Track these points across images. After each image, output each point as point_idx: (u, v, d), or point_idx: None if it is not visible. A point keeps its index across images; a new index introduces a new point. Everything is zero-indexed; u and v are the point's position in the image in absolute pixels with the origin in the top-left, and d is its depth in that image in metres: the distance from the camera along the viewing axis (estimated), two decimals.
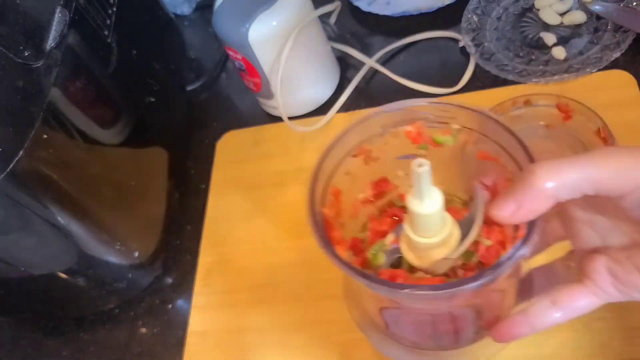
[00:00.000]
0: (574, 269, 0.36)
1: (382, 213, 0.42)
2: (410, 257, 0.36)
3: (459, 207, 0.40)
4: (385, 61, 0.70)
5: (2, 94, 0.41)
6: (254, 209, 0.63)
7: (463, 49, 0.67)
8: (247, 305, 0.57)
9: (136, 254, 0.56)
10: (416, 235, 0.34)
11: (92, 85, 0.52)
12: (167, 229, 0.62)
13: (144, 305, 0.61)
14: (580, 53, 0.62)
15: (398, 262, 0.38)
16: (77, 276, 0.54)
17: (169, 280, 0.62)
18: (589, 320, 0.47)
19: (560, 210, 0.35)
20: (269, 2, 0.60)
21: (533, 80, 0.60)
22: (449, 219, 0.34)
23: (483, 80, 0.64)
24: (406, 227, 0.34)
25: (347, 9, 0.76)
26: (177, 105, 0.71)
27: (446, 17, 0.69)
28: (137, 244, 0.57)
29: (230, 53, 0.63)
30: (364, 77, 0.69)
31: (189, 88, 0.76)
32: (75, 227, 0.49)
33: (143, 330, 0.60)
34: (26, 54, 0.43)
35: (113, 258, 0.55)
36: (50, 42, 0.45)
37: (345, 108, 0.68)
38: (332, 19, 0.75)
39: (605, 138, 0.52)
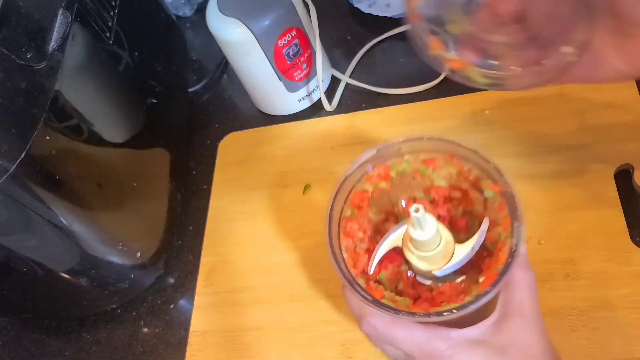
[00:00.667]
0: None
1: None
2: (411, 257, 0.41)
3: None
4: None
5: (4, 95, 0.41)
6: (255, 210, 0.63)
7: None
8: (249, 305, 0.57)
9: (138, 255, 0.57)
10: (418, 251, 0.40)
11: (94, 87, 0.53)
12: (169, 230, 0.62)
13: (146, 305, 0.61)
14: None
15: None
16: (80, 276, 0.54)
17: (171, 281, 0.62)
18: (589, 320, 0.47)
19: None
20: None
21: None
22: (445, 233, 0.40)
23: None
24: (409, 245, 0.40)
25: (347, 10, 0.77)
26: (179, 107, 0.71)
27: None
28: (139, 245, 0.57)
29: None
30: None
31: (191, 89, 0.77)
32: (78, 228, 0.49)
33: (145, 330, 0.60)
34: (28, 56, 0.43)
35: (115, 258, 0.55)
36: (52, 44, 0.45)
37: (345, 109, 0.68)
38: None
39: None
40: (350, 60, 0.72)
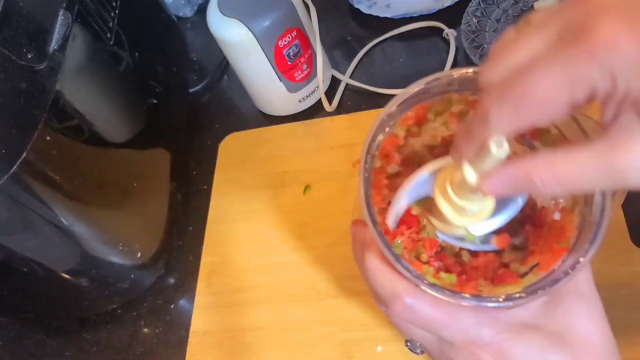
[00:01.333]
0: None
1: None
2: (441, 205, 0.34)
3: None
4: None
5: (5, 96, 0.41)
6: (255, 210, 0.63)
7: (460, 50, 0.67)
8: (249, 305, 0.58)
9: (139, 255, 0.57)
10: (462, 199, 0.32)
11: (95, 88, 0.53)
12: (169, 230, 0.62)
13: (146, 306, 0.61)
14: None
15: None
16: (80, 277, 0.54)
17: (171, 281, 0.63)
18: None
19: None
20: None
21: None
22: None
23: None
24: (448, 186, 0.33)
25: (347, 11, 0.77)
26: (180, 107, 0.71)
27: (446, 19, 0.70)
28: (139, 245, 0.57)
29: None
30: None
31: (191, 90, 0.77)
32: (79, 228, 0.50)
33: (145, 330, 0.60)
34: (29, 57, 0.43)
35: (116, 259, 0.55)
36: (53, 45, 0.46)
37: (345, 110, 0.68)
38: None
39: None
40: (351, 61, 0.72)
